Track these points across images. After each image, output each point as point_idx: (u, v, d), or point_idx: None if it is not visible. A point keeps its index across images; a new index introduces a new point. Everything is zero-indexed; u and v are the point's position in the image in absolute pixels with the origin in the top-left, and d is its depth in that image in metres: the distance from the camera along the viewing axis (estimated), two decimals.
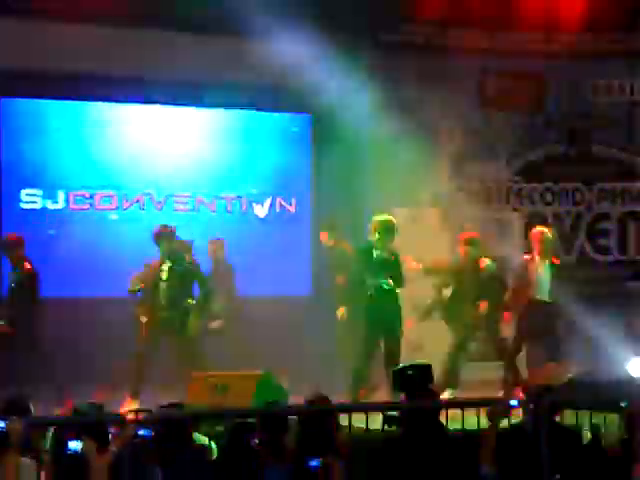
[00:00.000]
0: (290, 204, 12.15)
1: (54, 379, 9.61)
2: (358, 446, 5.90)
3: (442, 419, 5.90)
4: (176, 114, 11.85)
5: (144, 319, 9.68)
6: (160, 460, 5.53)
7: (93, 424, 5.40)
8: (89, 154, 11.47)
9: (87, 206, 11.47)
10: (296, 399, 7.41)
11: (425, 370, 6.89)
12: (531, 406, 5.88)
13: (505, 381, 10.34)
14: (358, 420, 5.80)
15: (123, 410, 7.83)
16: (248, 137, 12.06)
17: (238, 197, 11.98)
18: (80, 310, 10.69)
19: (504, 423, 5.86)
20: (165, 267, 9.71)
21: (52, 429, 5.67)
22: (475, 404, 6.06)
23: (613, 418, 6.37)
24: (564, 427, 6.07)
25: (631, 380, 9.17)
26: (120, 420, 5.33)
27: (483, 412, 5.88)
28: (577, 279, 12.45)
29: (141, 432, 5.34)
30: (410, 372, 6.54)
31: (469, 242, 10.50)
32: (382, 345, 9.80)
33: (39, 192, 11.31)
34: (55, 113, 11.44)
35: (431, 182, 12.17)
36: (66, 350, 10.36)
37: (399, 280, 9.84)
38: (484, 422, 5.88)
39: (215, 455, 5.89)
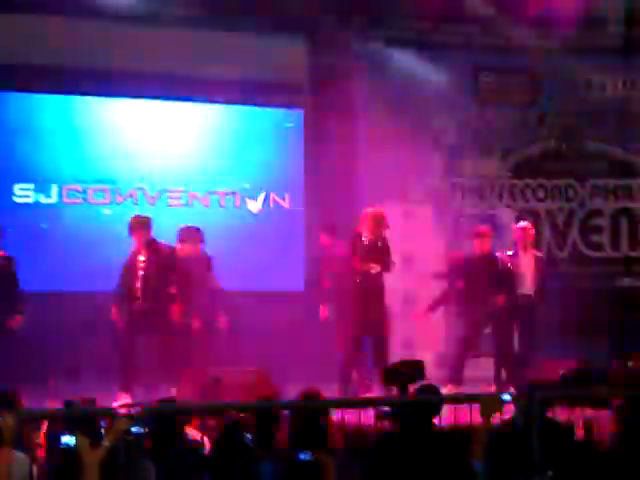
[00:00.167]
0: (284, 199, 12.15)
1: (47, 374, 9.65)
2: (351, 441, 5.91)
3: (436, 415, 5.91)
4: (170, 109, 11.83)
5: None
6: (153, 455, 5.53)
7: (85, 419, 5.40)
8: (82, 148, 11.46)
9: (80, 200, 11.46)
10: (289, 395, 7.41)
11: (417, 366, 6.92)
12: (523, 402, 5.89)
13: (497, 377, 10.37)
14: (351, 415, 5.81)
15: (115, 405, 7.85)
16: (242, 132, 12.05)
17: (232, 192, 11.97)
18: (73, 305, 10.67)
19: (496, 419, 5.86)
20: (142, 257, 9.74)
21: (45, 424, 5.67)
22: (467, 400, 6.07)
23: (605, 414, 6.38)
24: (556, 423, 6.08)
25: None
26: (112, 415, 5.32)
27: (475, 408, 5.89)
28: (569, 275, 12.48)
29: (134, 429, 5.34)
30: (402, 368, 6.55)
31: (481, 235, 10.55)
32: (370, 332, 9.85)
33: (32, 186, 11.29)
34: (48, 107, 11.41)
35: (425, 178, 12.18)
36: (58, 345, 10.38)
37: (388, 265, 9.91)
38: (476, 418, 5.88)
39: (208, 450, 5.89)
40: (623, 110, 12.86)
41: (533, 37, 12.38)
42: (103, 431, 5.34)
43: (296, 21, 11.13)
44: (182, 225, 10.63)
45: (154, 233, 10.27)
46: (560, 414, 6.34)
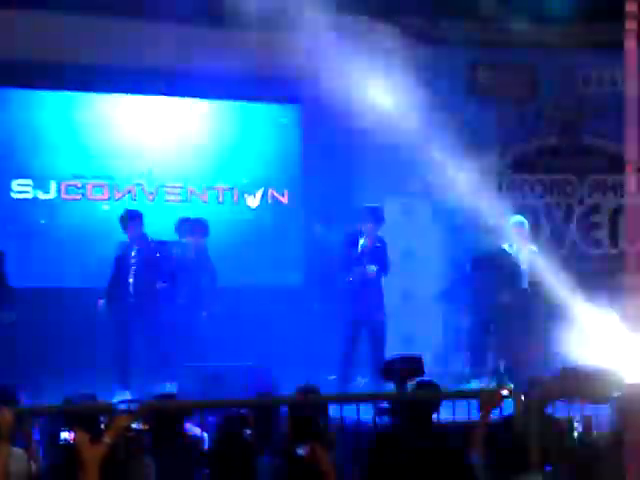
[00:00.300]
0: (282, 195, 12.15)
1: (47, 370, 9.67)
2: (349, 437, 5.92)
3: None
4: (168, 105, 11.82)
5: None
6: (153, 451, 5.54)
7: (85, 415, 5.41)
8: (81, 145, 11.45)
9: (79, 196, 11.46)
10: (287, 390, 7.42)
11: (415, 361, 6.93)
12: (522, 397, 5.90)
13: (496, 372, 10.37)
14: (349, 411, 5.82)
15: (115, 401, 7.85)
16: (240, 128, 12.05)
17: (230, 188, 11.97)
18: (72, 301, 10.67)
19: (495, 414, 5.88)
20: (133, 252, 9.75)
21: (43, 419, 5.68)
22: (466, 395, 6.08)
23: (604, 409, 6.39)
24: (555, 418, 6.08)
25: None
26: (112, 411, 5.33)
27: (473, 403, 5.90)
28: (567, 272, 12.48)
29: (134, 425, 5.35)
30: (400, 364, 6.57)
31: (492, 230, 10.56)
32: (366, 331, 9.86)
33: (30, 182, 11.29)
34: (46, 104, 11.41)
35: (422, 173, 12.18)
36: (57, 341, 10.39)
37: (384, 267, 9.92)
38: (475, 413, 5.89)
39: (207, 446, 5.90)
40: (622, 105, 12.84)
41: (532, 33, 12.37)
42: (103, 427, 5.34)
43: (295, 16, 11.10)
44: (183, 217, 10.68)
45: (153, 228, 10.30)
46: (559, 410, 6.34)
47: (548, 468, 5.64)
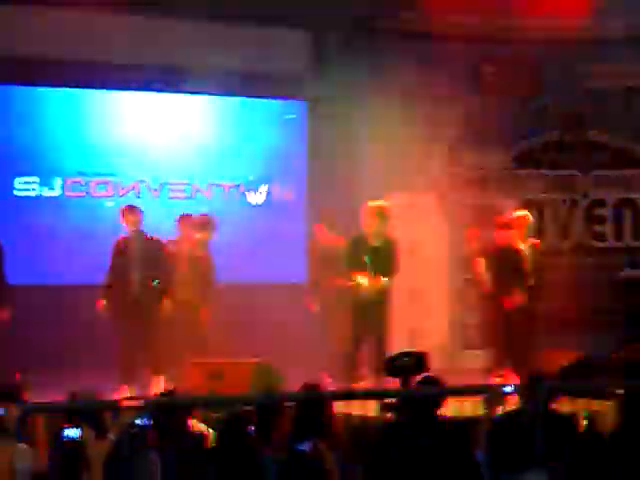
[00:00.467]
0: (286, 191, 12.14)
1: (50, 366, 9.67)
2: (354, 433, 5.92)
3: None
4: (172, 101, 11.82)
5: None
6: (158, 447, 5.54)
7: (90, 411, 5.42)
8: (85, 141, 11.45)
9: (83, 193, 11.46)
10: (290, 387, 7.42)
11: (420, 357, 6.91)
12: (527, 393, 5.90)
13: (502, 368, 10.36)
14: (355, 407, 5.82)
15: (120, 397, 7.86)
16: (244, 124, 12.04)
17: (234, 184, 11.97)
18: (76, 298, 10.68)
19: (500, 410, 5.88)
20: (134, 248, 9.80)
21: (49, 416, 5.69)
22: (471, 391, 6.08)
23: (609, 405, 6.39)
24: (559, 414, 6.08)
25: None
26: (117, 407, 5.33)
27: (479, 399, 5.90)
28: (572, 266, 12.48)
29: (138, 421, 5.35)
30: (405, 359, 6.56)
31: (504, 226, 10.53)
32: (370, 332, 9.81)
33: (35, 179, 11.30)
34: (51, 100, 11.41)
35: (428, 168, 12.17)
36: (60, 338, 10.40)
37: (392, 270, 9.84)
38: (480, 409, 5.90)
39: (212, 442, 5.90)
40: (628, 100, 12.84)
41: (537, 27, 12.36)
42: (108, 424, 5.35)
43: (298, 11, 11.10)
44: (185, 213, 10.69)
45: (156, 225, 10.31)
46: (563, 406, 6.34)
47: (553, 464, 5.64)
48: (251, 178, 12.01)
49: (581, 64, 12.65)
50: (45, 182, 11.32)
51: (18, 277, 10.06)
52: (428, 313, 11.86)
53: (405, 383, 6.41)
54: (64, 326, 10.52)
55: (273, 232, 11.82)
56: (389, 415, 6.16)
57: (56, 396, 6.14)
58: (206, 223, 10.33)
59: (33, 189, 11.28)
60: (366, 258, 9.71)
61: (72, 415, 5.52)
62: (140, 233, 9.87)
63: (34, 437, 5.61)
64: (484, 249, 10.68)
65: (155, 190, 11.68)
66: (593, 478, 5.62)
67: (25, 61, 10.99)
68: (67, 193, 11.41)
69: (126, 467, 5.21)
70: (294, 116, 12.19)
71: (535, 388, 5.91)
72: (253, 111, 12.12)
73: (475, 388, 6.11)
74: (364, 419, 5.97)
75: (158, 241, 9.96)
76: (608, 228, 12.85)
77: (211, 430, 6.05)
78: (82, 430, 5.08)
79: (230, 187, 11.95)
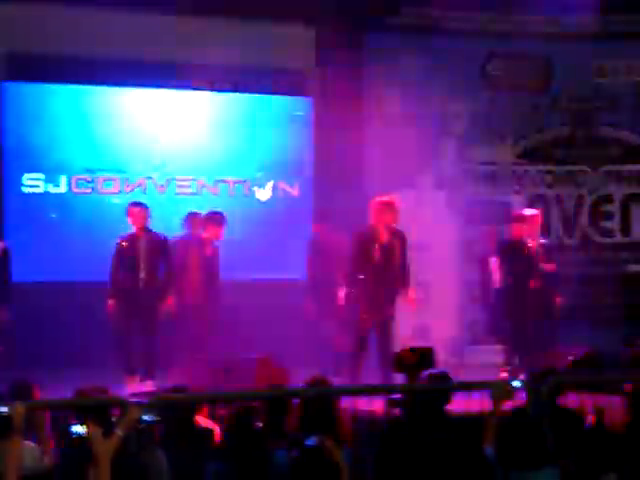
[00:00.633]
0: (292, 188, 12.13)
1: (58, 363, 9.69)
2: (361, 429, 5.91)
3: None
4: (178, 98, 11.82)
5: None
6: (164, 444, 5.54)
7: (97, 408, 5.41)
8: (91, 138, 11.46)
9: (89, 190, 11.47)
10: (296, 382, 7.42)
11: (426, 353, 6.91)
12: (534, 388, 5.88)
13: (509, 363, 10.35)
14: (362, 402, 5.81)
15: (127, 394, 7.86)
16: (250, 120, 12.03)
17: (241, 181, 11.97)
18: (83, 295, 10.69)
19: (507, 405, 5.86)
20: (141, 245, 9.79)
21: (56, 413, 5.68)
22: (478, 387, 6.06)
23: (616, 400, 6.37)
24: (567, 410, 6.07)
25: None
26: (124, 404, 5.32)
27: (486, 394, 5.88)
28: (579, 261, 12.45)
29: (145, 417, 5.34)
30: (412, 355, 6.55)
31: (518, 219, 10.54)
32: (375, 327, 9.77)
33: (41, 176, 11.30)
34: (58, 97, 11.41)
35: (435, 165, 12.16)
36: (67, 334, 10.41)
37: (403, 264, 9.81)
38: (487, 404, 5.88)
39: (219, 438, 5.90)
40: (635, 95, 12.80)
41: (544, 23, 12.33)
42: (114, 420, 5.34)
43: (306, 7, 11.08)
44: (193, 211, 10.71)
45: (163, 221, 10.31)
46: (571, 401, 6.33)
47: (561, 460, 5.63)
48: (258, 175, 12.00)
49: (590, 59, 12.61)
50: (51, 179, 11.32)
51: (24, 274, 10.07)
52: (437, 309, 11.83)
53: (412, 378, 6.39)
54: (69, 323, 10.52)
55: (279, 228, 11.81)
56: (396, 411, 6.15)
57: (64, 393, 6.15)
58: (214, 220, 10.33)
59: (38, 186, 11.28)
60: (375, 253, 9.67)
61: (79, 412, 5.52)
62: (146, 231, 9.88)
63: (41, 434, 5.60)
64: (498, 245, 10.72)
65: (161, 186, 11.68)
66: (601, 474, 5.60)
67: (33, 58, 11.01)
68: (73, 190, 11.41)
69: (133, 464, 5.21)
70: (302, 113, 12.18)
71: (541, 383, 5.89)
72: (259, 108, 12.10)
73: (483, 383, 6.09)
74: (371, 415, 5.96)
75: (164, 239, 9.96)
76: (615, 224, 12.81)
77: (217, 426, 6.05)
78: (89, 427, 5.07)
79: (236, 183, 11.95)
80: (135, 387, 9.26)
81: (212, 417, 6.26)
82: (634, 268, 12.60)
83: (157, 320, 9.77)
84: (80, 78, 11.30)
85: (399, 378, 7.92)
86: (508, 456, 5.48)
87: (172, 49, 11.13)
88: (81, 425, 5.25)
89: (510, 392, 5.71)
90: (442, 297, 11.96)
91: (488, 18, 12.30)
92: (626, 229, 12.80)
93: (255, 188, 12.01)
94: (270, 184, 12.06)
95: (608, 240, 12.78)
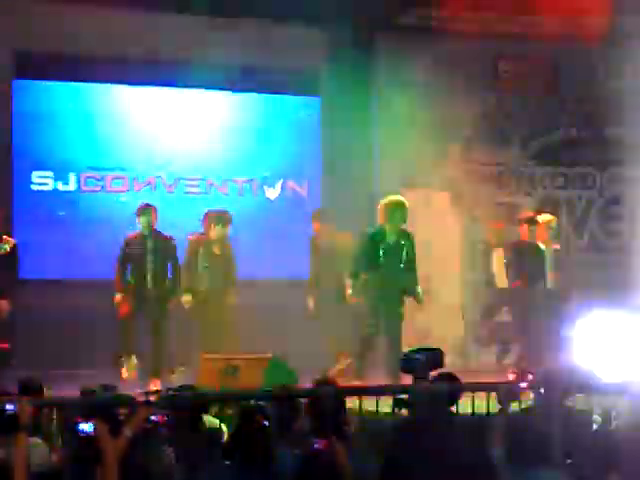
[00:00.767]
0: (301, 187, 12.14)
1: (64, 361, 9.70)
2: (368, 429, 5.91)
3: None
4: (187, 97, 11.83)
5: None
6: (172, 442, 5.55)
7: (105, 407, 5.42)
8: (101, 136, 11.47)
9: (98, 188, 11.49)
10: (302, 382, 7.43)
11: (434, 354, 6.89)
12: (542, 390, 5.88)
13: (516, 365, 10.35)
14: (368, 403, 5.81)
15: (134, 393, 7.87)
16: (259, 120, 12.04)
17: (249, 180, 11.98)
18: (91, 292, 10.70)
19: (514, 407, 5.86)
20: (149, 243, 9.79)
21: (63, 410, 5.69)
22: (485, 388, 6.06)
23: (624, 402, 6.36)
24: (575, 411, 6.06)
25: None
26: (131, 402, 5.34)
27: (493, 396, 5.89)
28: (588, 263, 12.43)
29: (153, 416, 5.35)
30: (419, 356, 6.54)
31: (529, 221, 10.52)
32: (383, 328, 9.76)
33: (50, 174, 11.33)
34: (67, 95, 11.43)
35: (444, 165, 12.16)
36: (75, 332, 10.42)
37: (411, 264, 9.80)
38: (494, 406, 5.88)
39: (226, 437, 5.90)
40: None
41: (554, 25, 12.32)
42: (122, 418, 5.35)
43: (314, 8, 11.09)
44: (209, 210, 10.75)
45: (171, 220, 10.34)
46: (578, 401, 6.32)
47: (568, 461, 5.62)
48: (266, 174, 12.00)
49: (598, 61, 12.60)
50: (60, 177, 11.34)
51: (33, 271, 10.09)
52: (442, 310, 11.82)
53: (419, 379, 6.38)
54: (77, 320, 10.53)
55: (288, 228, 11.81)
56: (403, 411, 6.15)
57: (72, 391, 6.16)
58: (222, 217, 10.37)
59: (47, 184, 11.30)
60: (382, 253, 9.68)
61: (86, 410, 5.53)
62: (154, 231, 9.92)
63: (48, 432, 5.61)
64: (507, 244, 10.72)
65: (170, 185, 11.69)
66: (607, 476, 5.60)
67: (41, 56, 11.04)
68: (82, 188, 11.43)
69: (141, 462, 5.22)
70: (311, 113, 12.18)
71: (548, 385, 5.89)
72: (268, 107, 12.11)
73: (490, 385, 6.09)
74: (377, 415, 5.95)
75: (170, 238, 10.01)
76: (623, 226, 12.80)
77: (224, 426, 6.05)
78: (96, 425, 5.08)
79: (244, 182, 11.95)
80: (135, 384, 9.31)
81: (220, 416, 6.25)
82: None
83: (165, 320, 9.80)
84: (91, 76, 11.32)
85: (406, 379, 7.94)
86: (515, 457, 5.48)
87: (182, 48, 11.14)
88: (89, 423, 5.26)
89: (517, 393, 5.72)
90: (447, 298, 11.96)
91: (497, 19, 12.29)
92: (634, 231, 12.78)
93: (265, 187, 12.01)
94: (279, 183, 12.06)
95: (616, 242, 12.76)
